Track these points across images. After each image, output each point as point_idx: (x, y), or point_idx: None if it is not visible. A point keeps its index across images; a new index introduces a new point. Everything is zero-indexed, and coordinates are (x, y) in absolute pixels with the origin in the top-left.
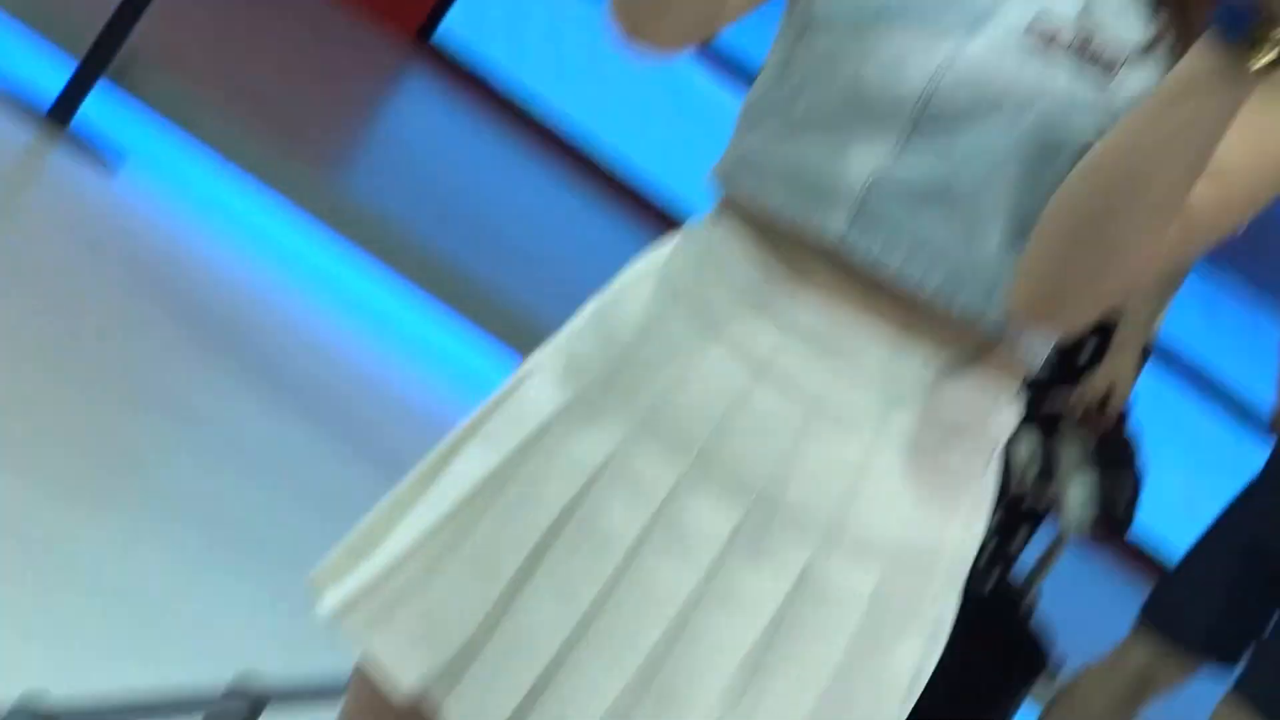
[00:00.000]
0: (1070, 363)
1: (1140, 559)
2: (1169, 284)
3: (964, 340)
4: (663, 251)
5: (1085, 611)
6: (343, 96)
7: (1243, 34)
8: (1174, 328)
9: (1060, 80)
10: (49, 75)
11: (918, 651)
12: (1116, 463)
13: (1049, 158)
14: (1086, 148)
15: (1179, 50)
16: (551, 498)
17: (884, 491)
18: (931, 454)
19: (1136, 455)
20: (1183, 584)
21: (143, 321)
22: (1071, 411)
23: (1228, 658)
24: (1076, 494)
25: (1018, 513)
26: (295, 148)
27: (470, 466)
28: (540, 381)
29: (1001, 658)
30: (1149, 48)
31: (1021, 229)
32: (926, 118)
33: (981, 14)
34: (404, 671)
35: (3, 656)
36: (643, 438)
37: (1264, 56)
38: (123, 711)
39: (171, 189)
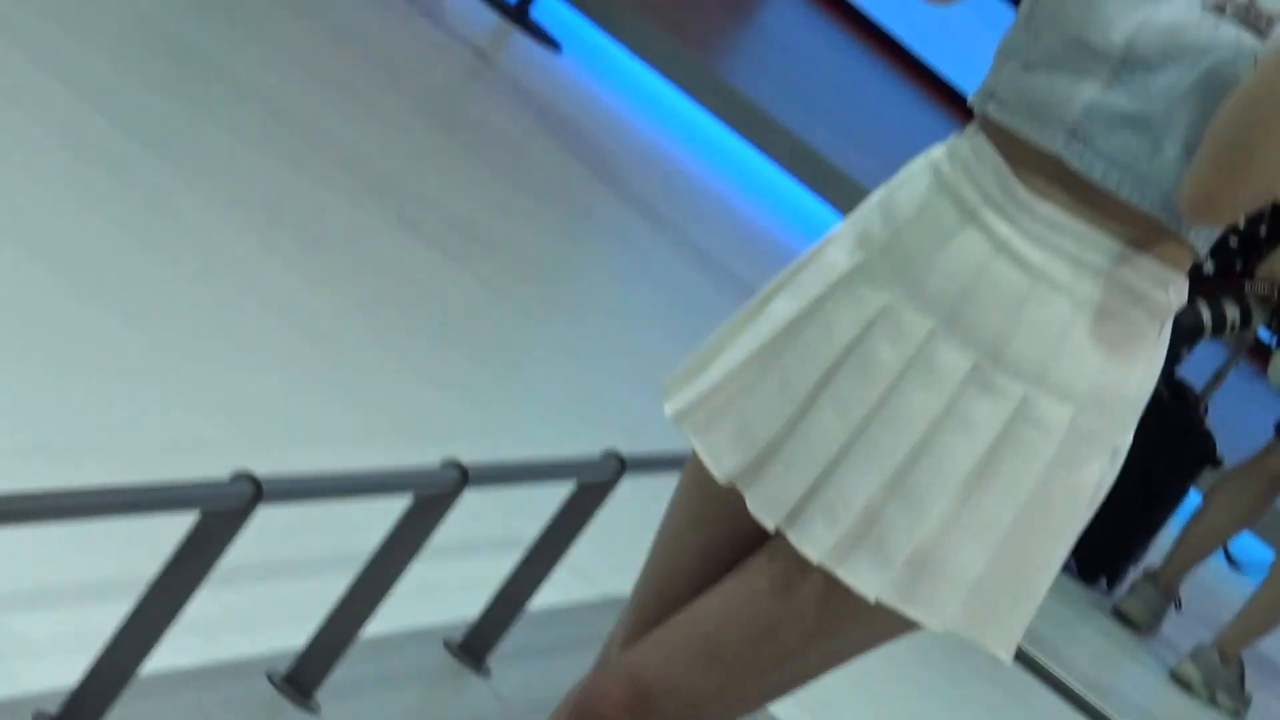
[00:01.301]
0: (1256, 250)
1: None
2: None
3: (1147, 230)
4: (936, 152)
5: (1243, 420)
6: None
7: None
8: None
9: (1228, 36)
10: None
11: (1101, 469)
12: None
13: (1218, 94)
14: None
15: None
16: (838, 338)
17: (1082, 345)
18: (1118, 317)
19: None
20: None
21: (568, 166)
22: (1260, 285)
23: None
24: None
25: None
26: (686, 43)
27: (782, 308)
28: (837, 247)
29: (1179, 448)
30: None
31: (1193, 148)
32: (1127, 63)
33: None
34: (721, 463)
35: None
36: (908, 296)
37: None
38: (521, 472)
39: (596, 69)
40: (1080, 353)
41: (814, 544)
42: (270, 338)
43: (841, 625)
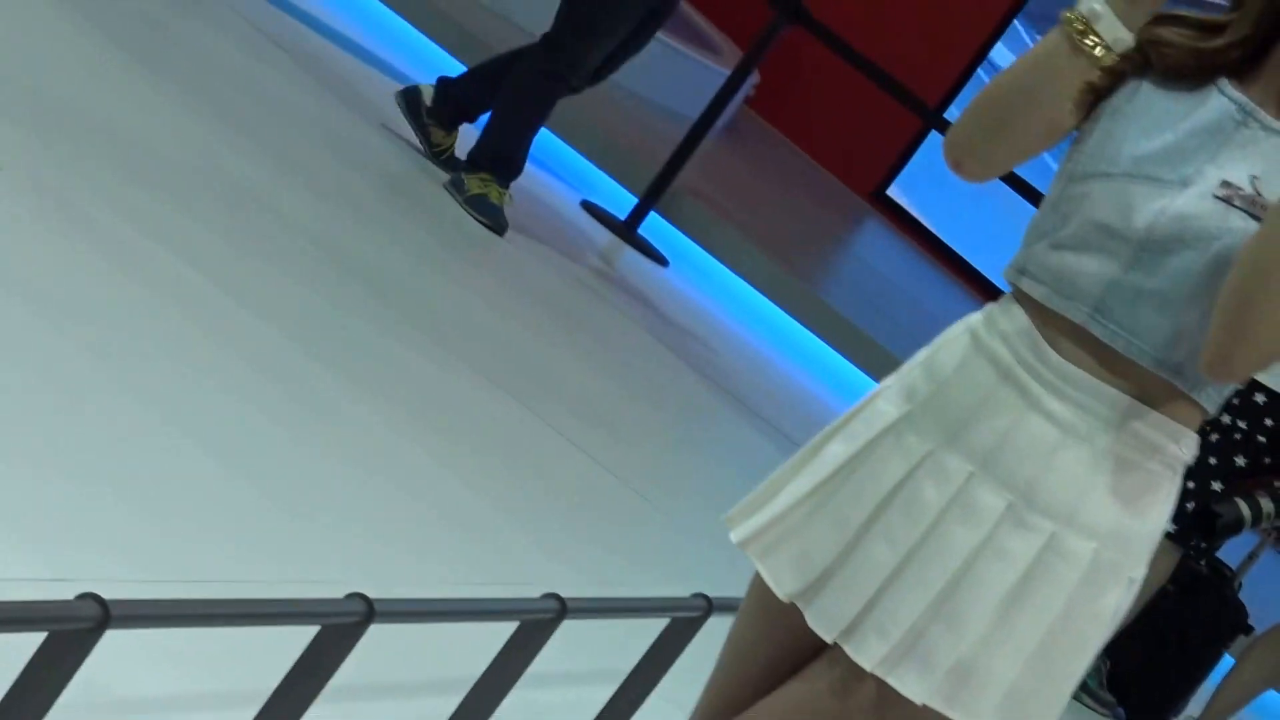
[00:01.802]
0: None
1: None
2: None
3: (1162, 391)
4: (974, 319)
5: (1269, 589)
6: (820, 231)
7: None
8: None
9: (1236, 221)
10: (623, 199)
11: (1119, 596)
12: None
13: (1228, 272)
14: None
15: None
16: (887, 478)
17: (1105, 490)
18: (1136, 467)
19: None
20: None
21: (676, 367)
22: None
23: None
24: None
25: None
26: (785, 266)
27: (837, 451)
28: (885, 400)
29: (1215, 619)
30: None
31: (1205, 318)
32: (1147, 247)
33: (1188, 178)
34: (782, 584)
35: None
36: (949, 444)
37: None
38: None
39: (701, 285)
40: (1103, 497)
41: (868, 655)
42: (401, 501)
43: None
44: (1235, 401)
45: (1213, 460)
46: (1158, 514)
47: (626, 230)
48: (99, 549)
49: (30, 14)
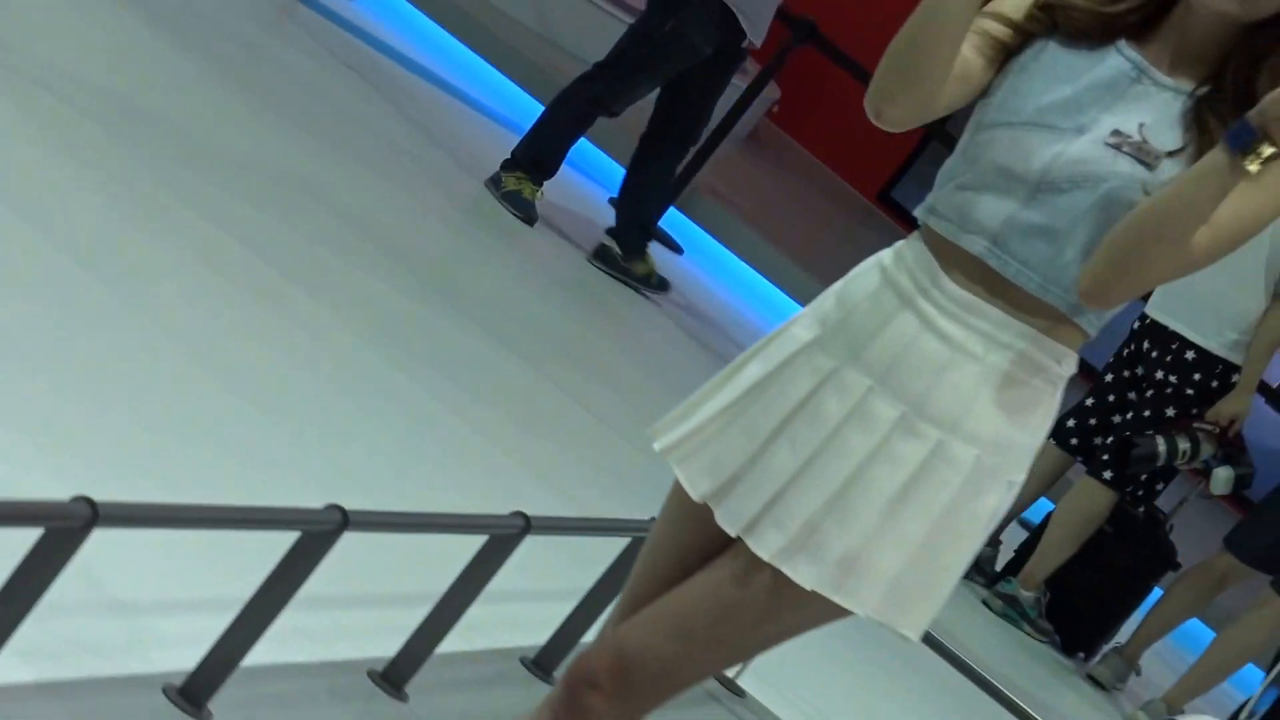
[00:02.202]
0: (1207, 397)
1: (1236, 504)
2: (1272, 346)
3: (1048, 316)
4: (884, 254)
5: (1196, 533)
6: (827, 228)
7: (1242, 147)
8: None
9: (1124, 165)
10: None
11: (999, 498)
12: (1240, 458)
13: (1112, 212)
14: (1135, 204)
15: (1196, 154)
16: (796, 393)
17: (989, 402)
18: (1020, 383)
19: (1247, 454)
20: (1249, 526)
21: (679, 339)
22: (1210, 426)
23: (1274, 570)
24: (1222, 473)
25: (1167, 474)
26: (797, 260)
27: (753, 371)
28: (800, 326)
29: (1146, 557)
30: (1177, 152)
31: (1089, 252)
32: (1041, 187)
33: (1083, 126)
34: (696, 487)
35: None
36: (852, 362)
37: (1254, 163)
38: (422, 524)
39: (714, 272)
40: (987, 408)
41: (766, 546)
42: (391, 428)
43: (784, 610)
44: (1168, 359)
45: (1147, 412)
46: (1037, 425)
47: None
48: (101, 459)
49: (125, 30)
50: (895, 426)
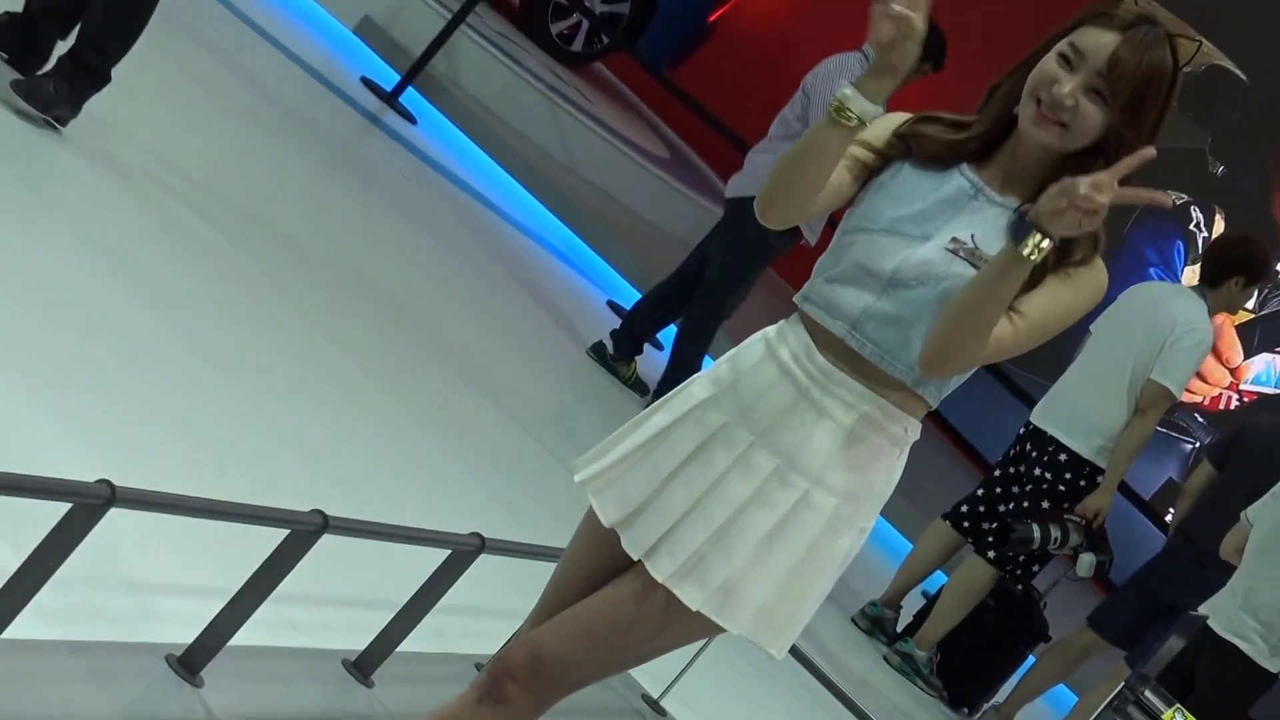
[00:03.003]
0: (1076, 494)
1: (1100, 585)
2: (1132, 450)
3: (896, 389)
4: (769, 331)
5: (1065, 610)
6: None
7: (1020, 239)
8: None
9: (958, 267)
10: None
11: (851, 541)
12: (1102, 547)
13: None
14: None
15: None
16: (691, 441)
17: (845, 459)
18: (869, 442)
19: (1108, 543)
20: (1108, 607)
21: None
22: (1078, 518)
23: (1128, 646)
24: (1086, 559)
25: (1042, 558)
26: None
27: (659, 420)
28: (699, 386)
29: (1022, 629)
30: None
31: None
32: (893, 283)
33: (928, 234)
34: (607, 514)
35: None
36: (739, 420)
37: (1030, 250)
38: (391, 534)
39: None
40: (844, 464)
41: (661, 570)
42: (373, 447)
43: (673, 624)
44: (1045, 459)
45: (1026, 503)
46: (884, 478)
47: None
48: (123, 447)
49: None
50: (771, 476)
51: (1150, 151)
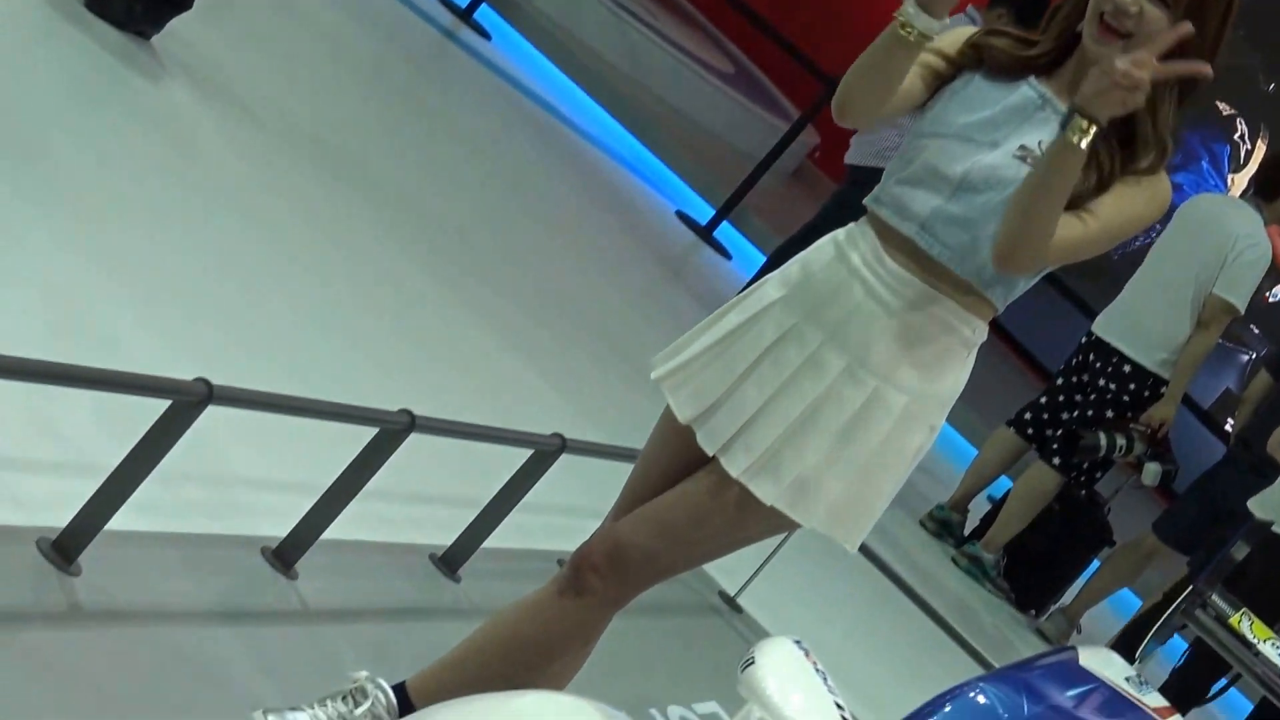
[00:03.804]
0: (1139, 404)
1: (1162, 494)
2: (1194, 362)
3: (963, 290)
4: (839, 234)
5: (1127, 516)
6: None
7: (1068, 126)
8: None
9: (1025, 173)
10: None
11: (921, 439)
12: (1167, 457)
13: None
14: None
15: None
16: (763, 341)
17: (915, 359)
18: (939, 342)
19: (1173, 454)
20: (1171, 514)
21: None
22: (1143, 427)
23: (1190, 551)
24: (1152, 468)
25: (1105, 465)
26: None
27: (732, 319)
28: (771, 286)
29: (1086, 533)
30: None
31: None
32: (962, 186)
33: (996, 141)
34: (682, 412)
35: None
36: (810, 319)
37: (1076, 136)
38: (476, 434)
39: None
40: (914, 363)
41: (736, 466)
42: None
43: (748, 519)
44: (1109, 370)
45: (1090, 412)
46: (953, 378)
47: (706, 232)
48: (223, 347)
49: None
50: (842, 374)
51: (1206, 69)
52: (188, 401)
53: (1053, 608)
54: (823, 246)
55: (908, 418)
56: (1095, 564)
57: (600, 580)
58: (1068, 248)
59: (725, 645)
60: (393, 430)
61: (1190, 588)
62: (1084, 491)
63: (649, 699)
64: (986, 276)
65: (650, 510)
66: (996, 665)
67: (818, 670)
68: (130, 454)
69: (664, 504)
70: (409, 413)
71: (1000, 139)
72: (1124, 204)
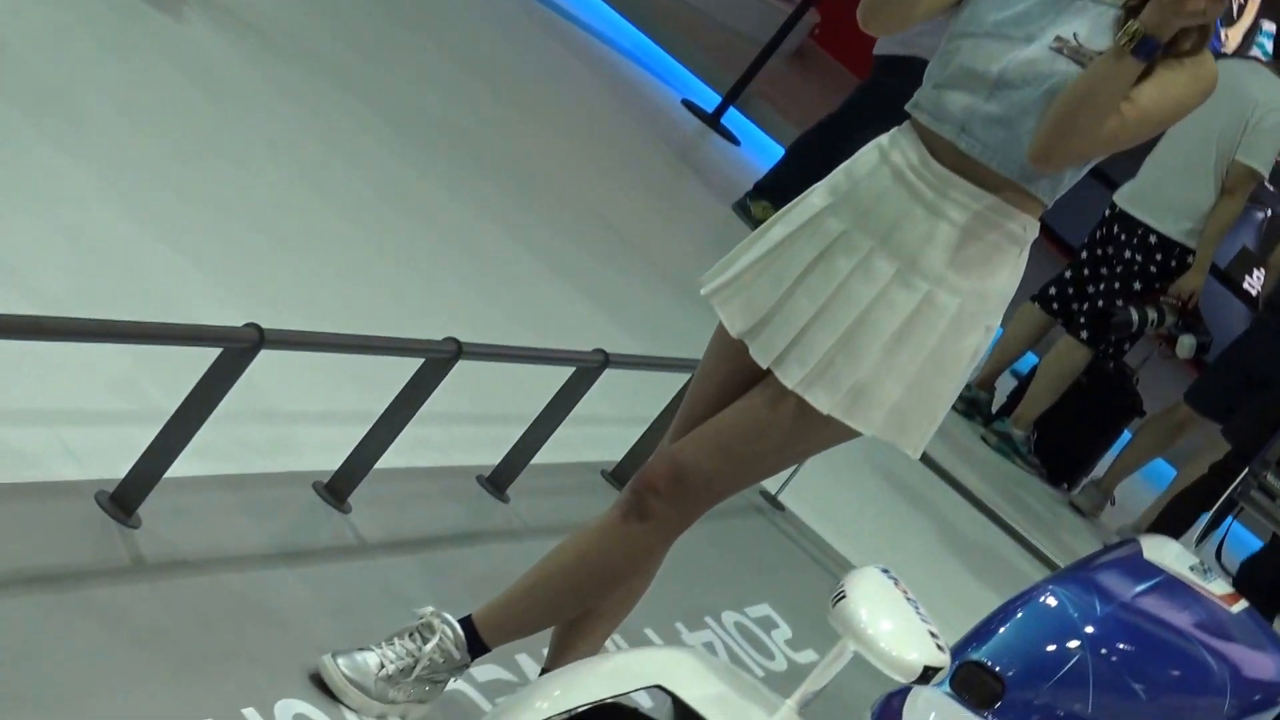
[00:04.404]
0: (1167, 275)
1: (1194, 365)
2: (1221, 231)
3: (1008, 188)
4: (882, 139)
5: (1157, 386)
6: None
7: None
8: None
9: (1062, 65)
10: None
11: (978, 339)
12: (1199, 328)
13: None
14: None
15: None
16: (812, 250)
17: (966, 260)
18: (989, 241)
19: (1205, 324)
20: (1203, 382)
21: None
22: (1173, 299)
23: (1223, 419)
24: (1186, 341)
25: (1134, 337)
26: None
27: (778, 231)
28: (816, 196)
29: (1116, 405)
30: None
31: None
32: (999, 84)
33: (1031, 35)
34: (734, 326)
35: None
36: (858, 226)
37: (1123, 39)
38: (521, 356)
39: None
40: (964, 263)
41: (791, 377)
42: (496, 273)
43: (807, 430)
44: (1134, 241)
45: (1116, 285)
46: (1005, 276)
47: (713, 119)
48: (266, 292)
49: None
50: (893, 279)
51: None
52: (239, 348)
53: (1085, 480)
54: (867, 153)
55: (962, 319)
56: (1126, 435)
57: (663, 503)
58: (1109, 140)
59: (771, 545)
60: (440, 359)
61: (1245, 470)
62: (1112, 365)
63: (703, 608)
64: (1030, 172)
65: (708, 430)
66: (1030, 540)
67: (909, 599)
68: (184, 403)
69: (722, 423)
70: (455, 341)
71: (1036, 32)
72: (1167, 88)
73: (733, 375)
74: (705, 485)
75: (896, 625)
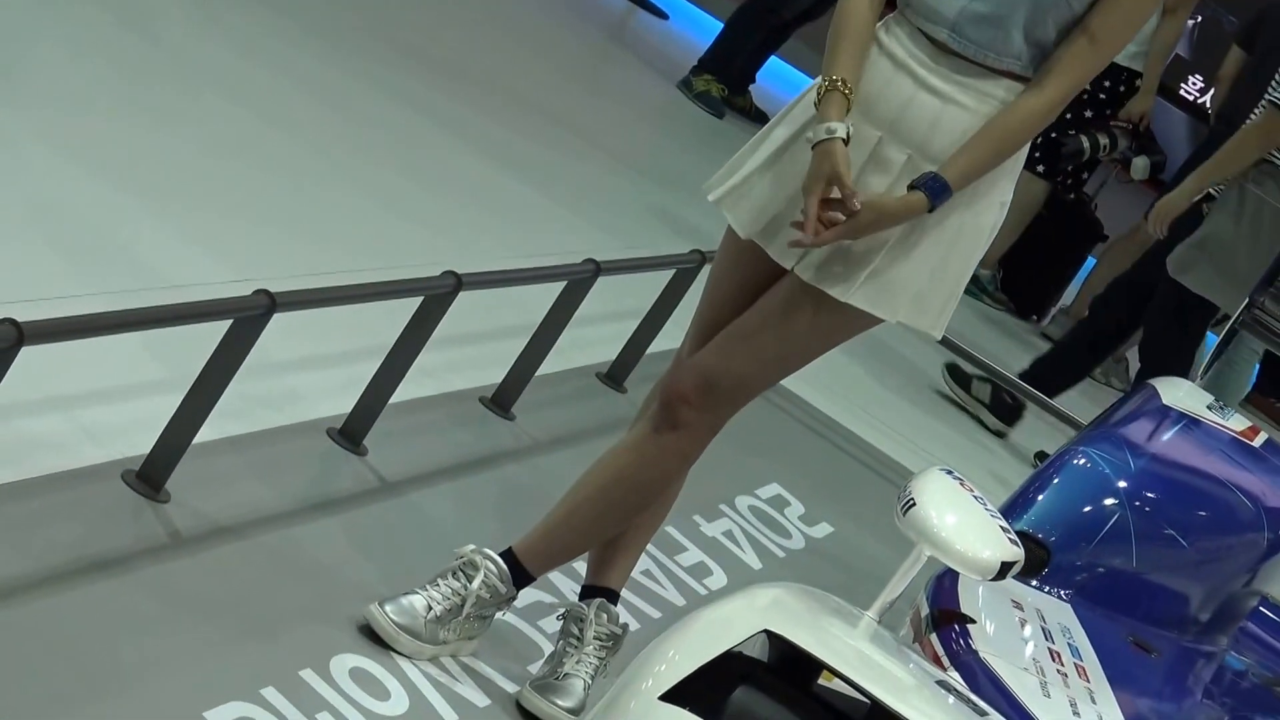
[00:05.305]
0: (1117, 100)
1: (1151, 185)
2: (1167, 52)
3: (1004, 74)
4: (877, 30)
5: (1116, 210)
6: None
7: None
8: None
9: None
10: None
11: (993, 217)
12: (1152, 148)
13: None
14: None
15: None
16: None
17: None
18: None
19: (1158, 144)
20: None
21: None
22: (1123, 123)
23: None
24: (1140, 162)
25: (1090, 165)
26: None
27: (781, 133)
28: (815, 92)
29: (1078, 233)
30: None
31: (1028, 30)
32: None
33: None
34: (744, 228)
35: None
36: (863, 118)
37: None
38: (516, 278)
39: (694, 31)
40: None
41: (811, 274)
42: (482, 202)
43: (830, 324)
44: None
45: (1068, 115)
46: (1017, 155)
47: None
48: (266, 257)
49: None
50: (904, 167)
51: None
52: (251, 316)
53: (1053, 309)
54: None
55: (976, 199)
56: (1091, 262)
57: (694, 411)
58: (1094, 69)
59: (774, 426)
60: (440, 294)
61: (1246, 300)
62: (1071, 195)
63: (717, 497)
64: (1026, 60)
65: (732, 334)
66: (999, 369)
67: (975, 497)
68: (201, 375)
69: (744, 325)
70: (454, 274)
71: None
72: (1125, 9)
73: (749, 280)
74: (734, 389)
75: (969, 526)
